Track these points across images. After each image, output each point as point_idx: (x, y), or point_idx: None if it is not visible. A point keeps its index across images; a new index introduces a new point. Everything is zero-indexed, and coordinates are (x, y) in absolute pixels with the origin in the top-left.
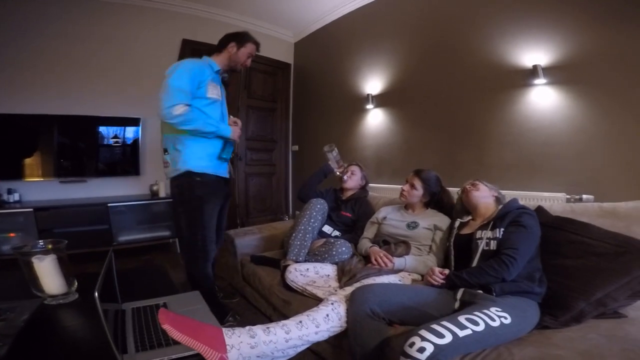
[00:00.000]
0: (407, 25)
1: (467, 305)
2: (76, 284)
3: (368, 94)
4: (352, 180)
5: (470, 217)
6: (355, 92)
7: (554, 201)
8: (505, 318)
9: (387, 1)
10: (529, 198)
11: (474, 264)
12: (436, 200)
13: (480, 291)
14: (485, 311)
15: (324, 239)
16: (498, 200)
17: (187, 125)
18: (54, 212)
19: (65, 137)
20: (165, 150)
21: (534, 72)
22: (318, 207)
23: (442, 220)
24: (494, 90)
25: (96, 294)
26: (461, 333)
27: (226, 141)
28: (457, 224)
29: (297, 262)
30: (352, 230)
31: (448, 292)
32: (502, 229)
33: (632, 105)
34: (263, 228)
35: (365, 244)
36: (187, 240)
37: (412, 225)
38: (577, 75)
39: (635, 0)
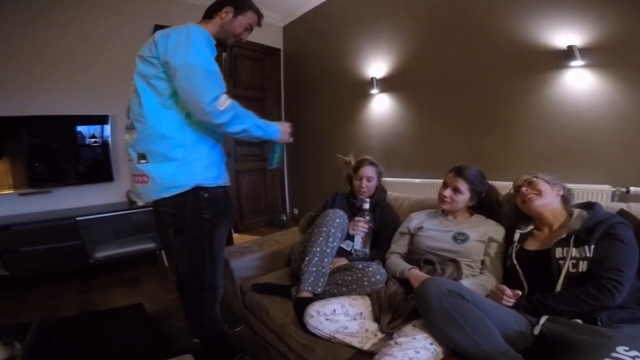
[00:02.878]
0: None
1: (555, 335)
2: None
3: (372, 78)
4: (370, 188)
5: (532, 227)
6: (357, 77)
7: (599, 195)
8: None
9: None
10: None
11: (558, 288)
12: (484, 202)
13: (579, 321)
14: (615, 355)
15: (342, 258)
16: (565, 199)
17: (236, 125)
18: (16, 230)
19: (20, 143)
20: (143, 157)
21: (568, 53)
22: (337, 221)
23: (497, 230)
24: (520, 72)
25: None
26: None
27: (272, 143)
28: (517, 236)
29: (314, 293)
30: (374, 243)
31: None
32: (591, 246)
33: None
34: (263, 243)
35: (398, 263)
36: (190, 276)
37: (461, 238)
38: (618, 58)
39: None
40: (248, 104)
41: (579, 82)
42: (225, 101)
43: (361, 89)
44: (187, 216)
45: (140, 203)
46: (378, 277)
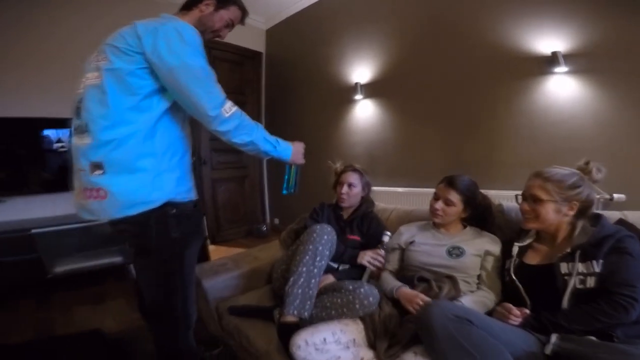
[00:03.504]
0: (402, 3)
1: (572, 354)
2: None
3: (356, 83)
4: (352, 196)
5: (531, 239)
6: (341, 82)
7: None
8: None
9: None
10: None
11: (564, 304)
12: (477, 213)
13: (594, 338)
14: None
15: (328, 275)
16: (580, 212)
17: (243, 135)
18: None
19: None
20: (98, 167)
21: (552, 59)
22: (325, 237)
23: (493, 243)
24: (504, 79)
25: None
26: None
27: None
28: (515, 250)
29: (300, 317)
30: None
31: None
32: (599, 261)
33: None
34: (240, 260)
35: (389, 281)
36: (159, 304)
37: (456, 253)
38: (602, 64)
39: None
40: None
41: (563, 89)
42: (231, 108)
43: (345, 95)
44: (151, 236)
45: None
46: (371, 299)
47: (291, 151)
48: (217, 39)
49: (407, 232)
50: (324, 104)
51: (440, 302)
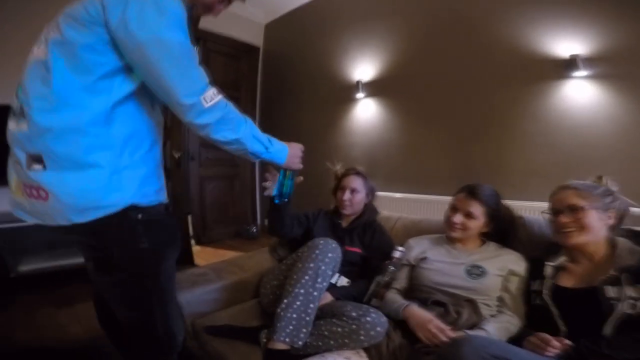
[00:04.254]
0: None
1: None
2: None
3: (357, 81)
4: (355, 203)
5: (564, 258)
6: (342, 79)
7: None
8: None
9: None
10: None
11: (607, 331)
12: (500, 228)
13: None
14: None
15: (326, 293)
16: (617, 223)
17: (225, 131)
18: None
19: None
20: (36, 160)
21: (571, 62)
22: (330, 256)
23: (517, 261)
24: (519, 81)
25: None
26: None
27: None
28: (548, 270)
29: (292, 346)
30: (363, 272)
31: None
32: None
33: None
34: (224, 269)
35: (396, 299)
36: (134, 327)
37: (476, 272)
38: (623, 68)
39: None
40: None
41: (582, 94)
42: (213, 97)
43: (345, 93)
44: (112, 248)
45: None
46: (379, 329)
47: (286, 154)
48: (210, 15)
49: (417, 247)
50: (322, 103)
51: (472, 339)
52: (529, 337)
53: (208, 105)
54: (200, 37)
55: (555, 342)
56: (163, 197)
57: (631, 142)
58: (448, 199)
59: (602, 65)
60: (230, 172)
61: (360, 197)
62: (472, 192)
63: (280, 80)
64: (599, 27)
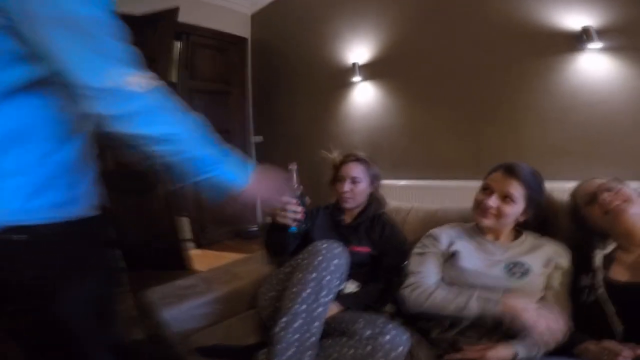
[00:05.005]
0: None
1: None
2: None
3: (353, 64)
4: (357, 194)
5: (614, 245)
6: (336, 63)
7: None
8: None
9: None
10: None
11: None
12: (541, 216)
13: None
14: None
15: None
16: None
17: (155, 124)
18: None
19: None
20: None
21: (582, 35)
22: (335, 262)
23: (561, 253)
24: (529, 56)
25: None
26: None
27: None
28: (599, 259)
29: None
30: (373, 274)
31: None
32: None
33: None
34: (216, 279)
35: (454, 292)
36: None
37: (520, 271)
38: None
39: None
40: (208, 100)
41: (597, 67)
42: (147, 82)
43: (341, 77)
44: None
45: None
46: (401, 349)
47: (250, 174)
48: None
49: (445, 237)
50: (318, 90)
51: None
52: (587, 346)
53: (134, 90)
54: (183, 32)
55: (628, 352)
56: (70, 212)
57: None
58: (462, 183)
59: (616, 37)
60: None
61: (363, 187)
62: (510, 169)
63: (272, 70)
64: None
